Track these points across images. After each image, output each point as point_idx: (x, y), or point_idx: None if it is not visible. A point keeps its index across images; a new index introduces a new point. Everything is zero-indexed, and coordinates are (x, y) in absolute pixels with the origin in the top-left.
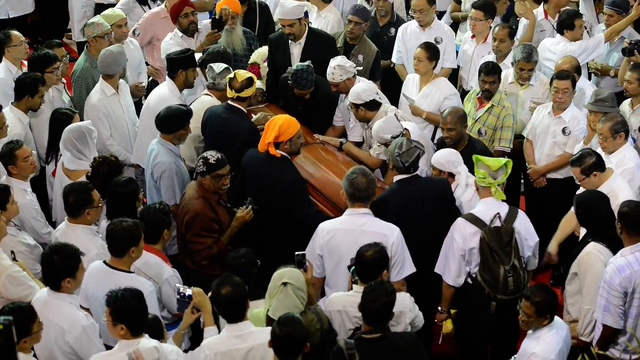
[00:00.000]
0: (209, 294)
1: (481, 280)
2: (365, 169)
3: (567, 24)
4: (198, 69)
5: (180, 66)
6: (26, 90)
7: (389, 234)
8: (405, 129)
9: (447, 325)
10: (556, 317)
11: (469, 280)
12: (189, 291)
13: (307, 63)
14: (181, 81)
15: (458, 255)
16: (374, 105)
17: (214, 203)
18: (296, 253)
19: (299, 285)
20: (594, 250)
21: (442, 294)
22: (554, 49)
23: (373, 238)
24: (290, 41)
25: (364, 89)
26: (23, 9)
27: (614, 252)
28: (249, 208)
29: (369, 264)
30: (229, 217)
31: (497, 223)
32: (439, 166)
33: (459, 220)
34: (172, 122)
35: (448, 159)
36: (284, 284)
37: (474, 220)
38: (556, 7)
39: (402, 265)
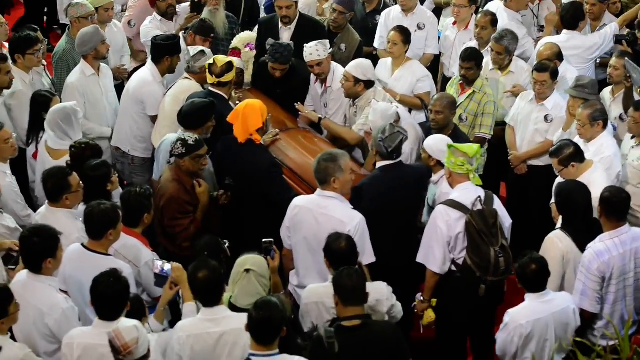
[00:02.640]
0: None
1: (471, 264)
2: (331, 152)
3: None
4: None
5: (167, 52)
6: None
7: (347, 222)
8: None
9: (430, 315)
10: (560, 293)
11: (453, 267)
12: (167, 266)
13: (290, 42)
14: (165, 67)
15: (443, 242)
16: (370, 84)
17: (189, 186)
18: (263, 240)
19: (262, 272)
20: (554, 237)
21: (426, 282)
22: (572, 45)
23: (331, 222)
24: (280, 26)
25: (369, 66)
26: None
27: (577, 243)
28: (203, 185)
29: (344, 255)
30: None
31: (479, 206)
32: (429, 151)
33: (440, 207)
34: (197, 117)
35: (440, 147)
36: (247, 270)
37: (456, 205)
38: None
39: (362, 253)
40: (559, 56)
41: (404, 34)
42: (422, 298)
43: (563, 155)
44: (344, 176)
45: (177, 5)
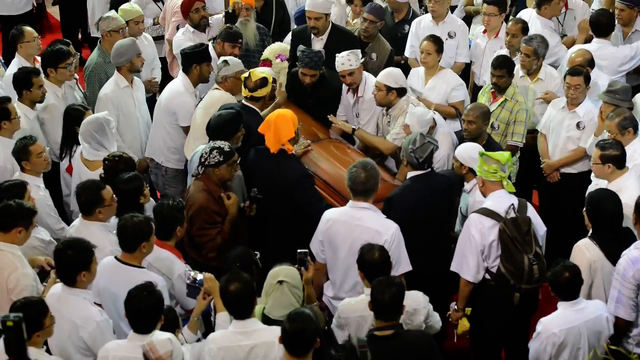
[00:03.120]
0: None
1: (505, 272)
2: (367, 162)
3: None
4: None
5: (194, 60)
6: (21, 85)
7: (383, 232)
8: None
9: (464, 324)
10: (593, 301)
11: (487, 275)
12: (199, 276)
13: (321, 50)
14: (195, 76)
15: (477, 251)
16: (403, 92)
17: (217, 196)
18: (298, 250)
19: (295, 283)
20: (582, 245)
21: (460, 291)
22: (602, 54)
23: (367, 233)
24: (312, 36)
25: (400, 74)
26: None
27: (605, 252)
28: (232, 198)
29: (378, 266)
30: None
31: (512, 214)
32: (460, 159)
33: (474, 215)
34: (226, 130)
35: (471, 155)
36: (280, 282)
37: (489, 213)
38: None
39: (397, 263)
40: (590, 63)
41: (437, 43)
42: (456, 307)
43: (607, 152)
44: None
45: (210, 17)
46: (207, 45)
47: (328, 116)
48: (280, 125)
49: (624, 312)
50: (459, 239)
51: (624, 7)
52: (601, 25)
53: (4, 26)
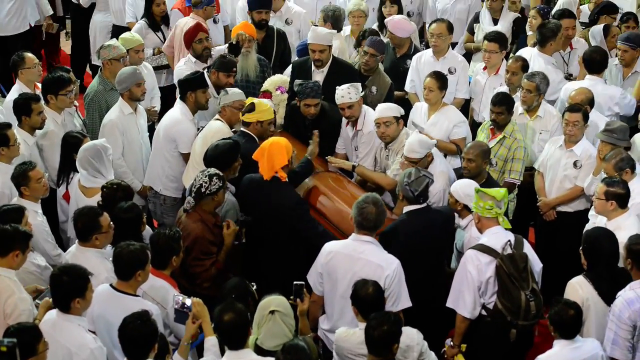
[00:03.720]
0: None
1: (502, 308)
2: (377, 198)
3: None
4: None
5: (189, 88)
6: (21, 111)
7: (385, 266)
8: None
9: None
10: (589, 339)
11: (483, 311)
12: (188, 301)
13: (317, 81)
14: (192, 103)
15: (474, 287)
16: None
17: (211, 225)
18: (294, 283)
19: (287, 312)
20: (575, 283)
21: (456, 327)
22: (595, 91)
23: (369, 267)
24: (313, 68)
25: (394, 104)
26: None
27: (599, 291)
28: (231, 227)
29: (371, 301)
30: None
31: (509, 250)
32: (456, 196)
33: (470, 252)
34: (223, 160)
35: (467, 191)
36: (272, 312)
37: (486, 250)
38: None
39: (398, 298)
40: (591, 102)
41: (440, 80)
42: (452, 343)
43: (612, 189)
44: None
45: (212, 49)
46: (202, 73)
47: (327, 157)
48: (274, 153)
49: (620, 353)
50: (455, 275)
51: (627, 48)
52: (594, 62)
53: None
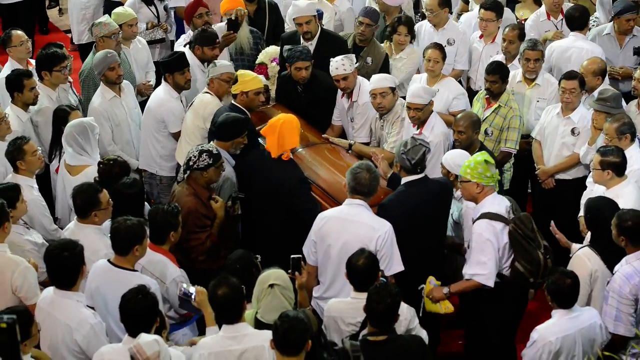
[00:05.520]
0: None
1: (524, 271)
2: (370, 164)
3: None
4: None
5: (166, 70)
6: (13, 88)
7: (377, 228)
8: None
9: (448, 305)
10: (586, 308)
11: (496, 278)
12: (192, 289)
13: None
14: (172, 84)
15: (495, 255)
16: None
17: (205, 199)
18: (292, 256)
19: (286, 285)
20: (583, 255)
21: (464, 286)
22: (578, 46)
23: (361, 229)
24: (302, 40)
25: (389, 75)
26: None
27: (606, 262)
28: (219, 201)
29: (362, 272)
30: None
31: (511, 214)
32: (447, 167)
33: (483, 222)
34: (230, 130)
35: (457, 162)
36: (271, 285)
37: (496, 217)
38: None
39: (390, 261)
40: (602, 72)
41: (443, 51)
42: (436, 284)
43: (607, 158)
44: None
45: (212, 26)
46: (180, 54)
47: (323, 136)
48: (285, 133)
49: (624, 329)
50: (471, 247)
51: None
52: (574, 19)
53: (9, 14)
